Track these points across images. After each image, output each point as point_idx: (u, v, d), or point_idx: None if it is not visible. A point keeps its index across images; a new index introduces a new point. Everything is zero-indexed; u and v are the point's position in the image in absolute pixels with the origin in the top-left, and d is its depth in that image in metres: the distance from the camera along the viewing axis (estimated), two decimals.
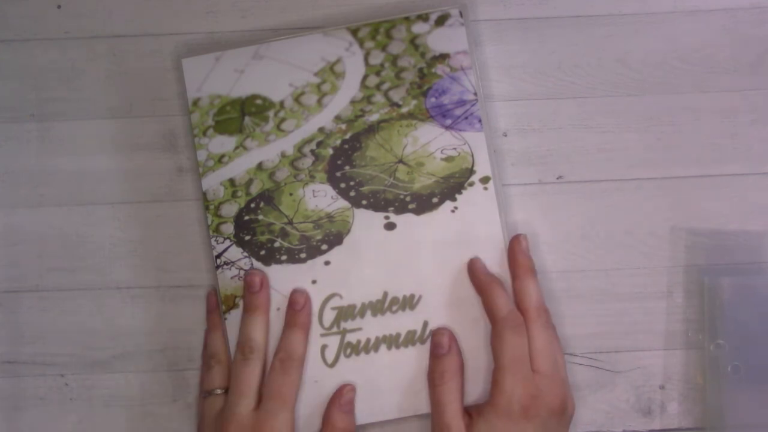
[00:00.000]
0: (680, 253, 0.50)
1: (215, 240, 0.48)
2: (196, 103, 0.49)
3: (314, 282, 0.47)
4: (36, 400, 0.50)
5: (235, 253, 0.48)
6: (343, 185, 0.48)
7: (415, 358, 0.47)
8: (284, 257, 0.48)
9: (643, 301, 0.50)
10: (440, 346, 0.45)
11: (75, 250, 0.50)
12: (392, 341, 0.47)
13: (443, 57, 0.48)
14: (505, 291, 0.45)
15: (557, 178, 0.50)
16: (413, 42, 0.49)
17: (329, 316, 0.47)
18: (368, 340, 0.47)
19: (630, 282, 0.50)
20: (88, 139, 0.50)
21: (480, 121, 0.48)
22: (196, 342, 0.49)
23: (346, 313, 0.47)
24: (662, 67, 0.50)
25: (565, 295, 0.50)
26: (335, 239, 0.48)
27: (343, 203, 0.48)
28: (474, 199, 0.48)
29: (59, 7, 0.50)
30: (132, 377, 0.50)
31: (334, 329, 0.47)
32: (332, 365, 0.47)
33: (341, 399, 0.46)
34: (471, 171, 0.48)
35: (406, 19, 0.49)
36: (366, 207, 0.48)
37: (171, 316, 0.50)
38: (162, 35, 0.50)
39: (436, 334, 0.46)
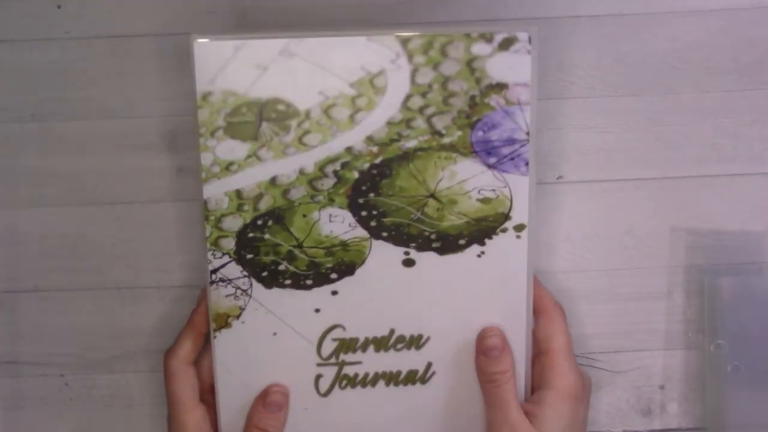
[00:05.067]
0: (680, 253, 0.50)
1: (212, 254, 0.44)
2: (205, 97, 0.42)
3: (317, 311, 0.44)
4: (36, 400, 0.50)
5: (233, 270, 0.44)
6: (364, 213, 0.44)
7: (414, 398, 0.45)
8: (288, 282, 0.44)
9: (643, 301, 0.50)
10: (496, 348, 0.44)
11: (75, 250, 0.50)
12: (392, 378, 0.45)
13: (500, 87, 0.43)
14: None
15: (557, 178, 0.50)
16: (470, 64, 0.42)
17: (329, 346, 0.44)
18: (366, 375, 0.45)
19: (630, 282, 0.50)
20: (88, 139, 0.50)
21: (527, 164, 0.43)
22: None
23: (347, 345, 0.44)
24: (662, 67, 0.50)
25: (565, 295, 0.50)
26: (347, 269, 0.44)
27: (361, 232, 0.44)
28: (504, 247, 0.44)
29: (59, 7, 0.50)
30: (132, 377, 0.50)
31: (332, 360, 0.45)
32: (325, 395, 0.45)
33: (267, 397, 0.44)
34: (506, 216, 0.44)
35: (467, 36, 0.42)
36: (386, 239, 0.44)
37: (171, 316, 0.50)
38: (162, 35, 0.50)
39: (487, 337, 0.44)
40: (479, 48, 0.42)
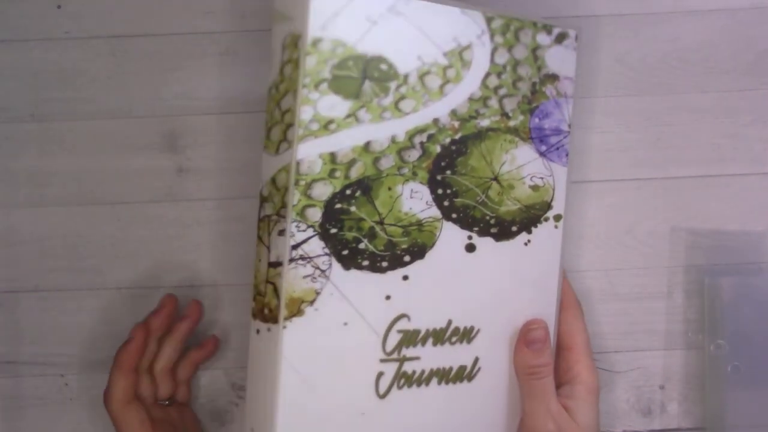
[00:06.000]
0: (680, 253, 0.50)
1: (296, 226, 0.39)
2: (315, 44, 0.38)
3: (388, 298, 0.41)
4: (36, 400, 0.50)
5: (315, 247, 0.39)
6: (440, 191, 0.42)
7: (461, 397, 0.43)
8: (366, 263, 0.41)
9: (643, 301, 0.50)
10: (539, 341, 0.44)
11: (75, 250, 0.50)
12: (444, 375, 0.43)
13: (554, 78, 0.44)
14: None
15: None
16: (534, 52, 0.44)
17: (393, 339, 0.41)
18: (422, 372, 0.42)
19: (630, 282, 0.50)
20: (88, 139, 0.50)
21: (567, 155, 0.45)
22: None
23: (410, 338, 0.42)
24: (662, 67, 0.50)
25: None
26: (419, 252, 0.42)
27: (435, 212, 0.42)
28: (545, 236, 0.44)
29: (59, 7, 0.50)
30: None
31: (395, 355, 0.42)
32: (383, 396, 0.41)
33: None
34: (549, 206, 0.44)
35: (534, 24, 0.43)
36: (454, 221, 0.42)
37: None
38: (162, 35, 0.50)
39: (531, 329, 0.44)
40: (542, 38, 0.44)
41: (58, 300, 0.50)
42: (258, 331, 0.40)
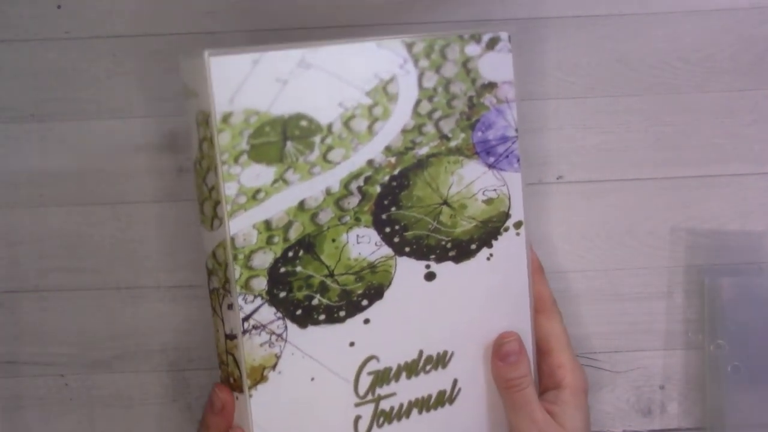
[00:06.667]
0: (680, 253, 0.50)
1: (243, 299, 0.39)
2: (226, 119, 0.38)
3: (352, 344, 0.41)
4: (36, 400, 0.50)
5: (266, 314, 0.39)
6: (388, 230, 0.42)
7: (444, 421, 0.43)
8: (322, 317, 0.41)
9: (643, 301, 0.50)
10: (513, 353, 0.43)
11: (75, 250, 0.50)
12: (423, 404, 0.43)
13: (491, 86, 0.43)
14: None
15: (557, 178, 0.50)
16: (465, 65, 0.42)
17: (365, 382, 0.42)
18: (401, 406, 0.43)
19: (630, 282, 0.50)
20: (88, 139, 0.50)
21: (518, 160, 0.44)
22: (196, 342, 0.49)
23: (382, 377, 0.42)
24: (662, 67, 0.50)
25: (565, 295, 0.50)
26: (376, 293, 0.42)
27: (386, 251, 0.42)
28: (508, 246, 0.44)
29: (59, 7, 0.50)
30: (132, 377, 0.50)
31: (369, 397, 0.42)
32: None
33: None
34: (507, 215, 0.44)
35: (461, 37, 0.42)
36: (408, 255, 0.42)
37: (171, 316, 0.50)
38: (162, 35, 0.50)
39: (504, 343, 0.44)
40: (471, 49, 0.42)
41: (58, 300, 0.50)
42: (236, 397, 0.41)
